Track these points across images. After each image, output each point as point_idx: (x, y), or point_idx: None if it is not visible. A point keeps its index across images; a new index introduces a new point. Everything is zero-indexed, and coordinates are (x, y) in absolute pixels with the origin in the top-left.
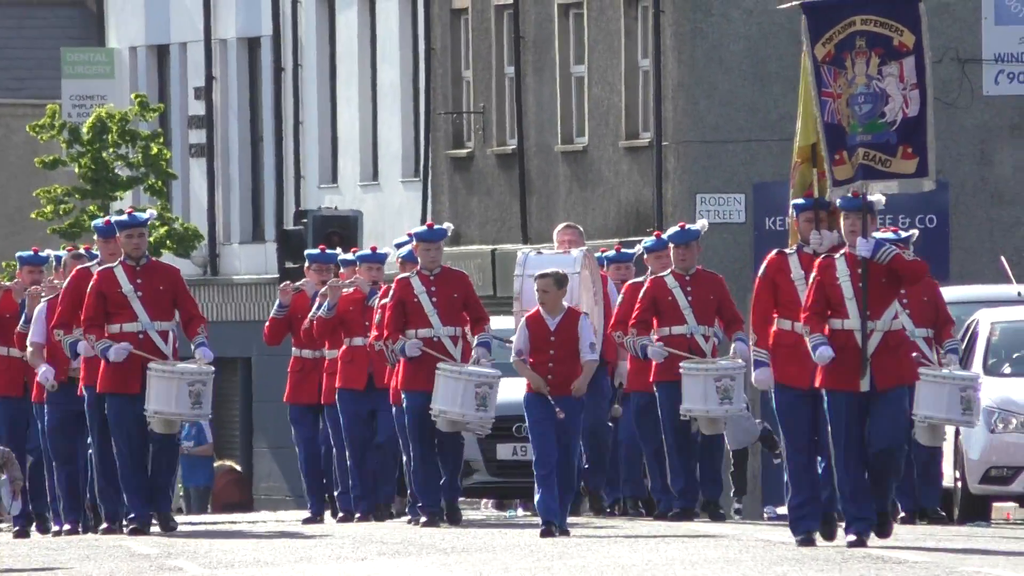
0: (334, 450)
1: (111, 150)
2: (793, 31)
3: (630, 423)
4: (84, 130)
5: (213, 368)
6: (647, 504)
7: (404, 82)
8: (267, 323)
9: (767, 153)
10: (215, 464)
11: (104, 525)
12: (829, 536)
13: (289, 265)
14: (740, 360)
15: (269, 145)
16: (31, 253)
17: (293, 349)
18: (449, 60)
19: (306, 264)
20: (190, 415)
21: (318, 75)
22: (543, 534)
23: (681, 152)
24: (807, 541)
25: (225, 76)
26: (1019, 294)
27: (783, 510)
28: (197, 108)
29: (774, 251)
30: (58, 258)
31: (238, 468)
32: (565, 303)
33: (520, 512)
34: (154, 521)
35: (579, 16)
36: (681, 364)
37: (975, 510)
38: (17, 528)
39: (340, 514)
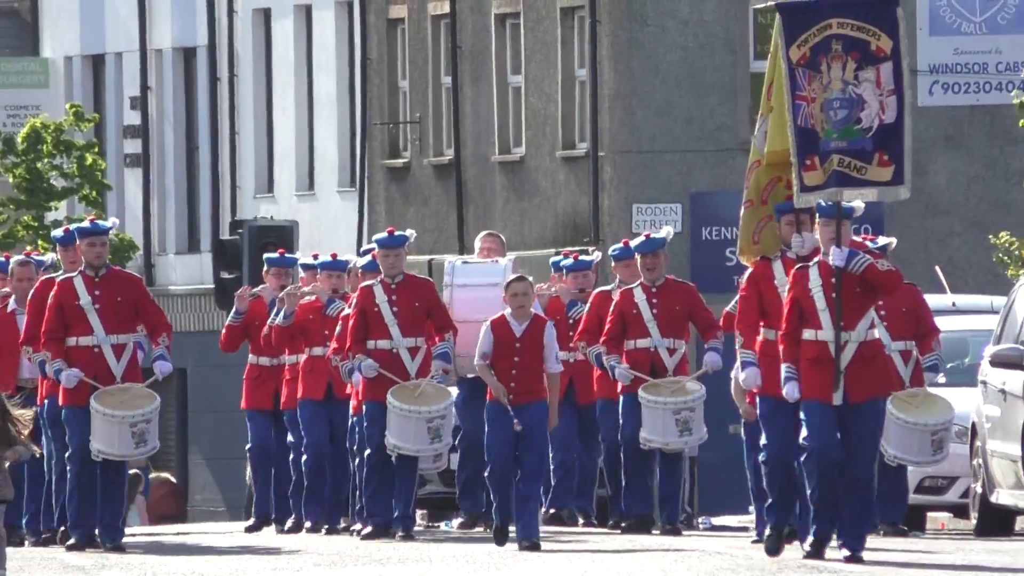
0: (303, 456)
1: (46, 160)
2: (729, 41)
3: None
4: (18, 140)
5: (157, 402)
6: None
7: (340, 92)
8: (224, 330)
9: (703, 163)
10: (150, 476)
11: (72, 540)
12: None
13: (225, 275)
14: (710, 372)
15: (205, 155)
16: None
17: (250, 356)
18: (385, 70)
19: (264, 269)
20: (134, 454)
21: (254, 85)
22: (496, 539)
23: (618, 162)
24: (775, 549)
25: (160, 86)
26: (953, 304)
27: (718, 520)
28: (132, 118)
29: (758, 257)
30: (3, 264)
31: (173, 480)
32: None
33: (455, 524)
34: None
35: (516, 26)
36: (640, 391)
37: (910, 520)
38: None
39: (296, 521)
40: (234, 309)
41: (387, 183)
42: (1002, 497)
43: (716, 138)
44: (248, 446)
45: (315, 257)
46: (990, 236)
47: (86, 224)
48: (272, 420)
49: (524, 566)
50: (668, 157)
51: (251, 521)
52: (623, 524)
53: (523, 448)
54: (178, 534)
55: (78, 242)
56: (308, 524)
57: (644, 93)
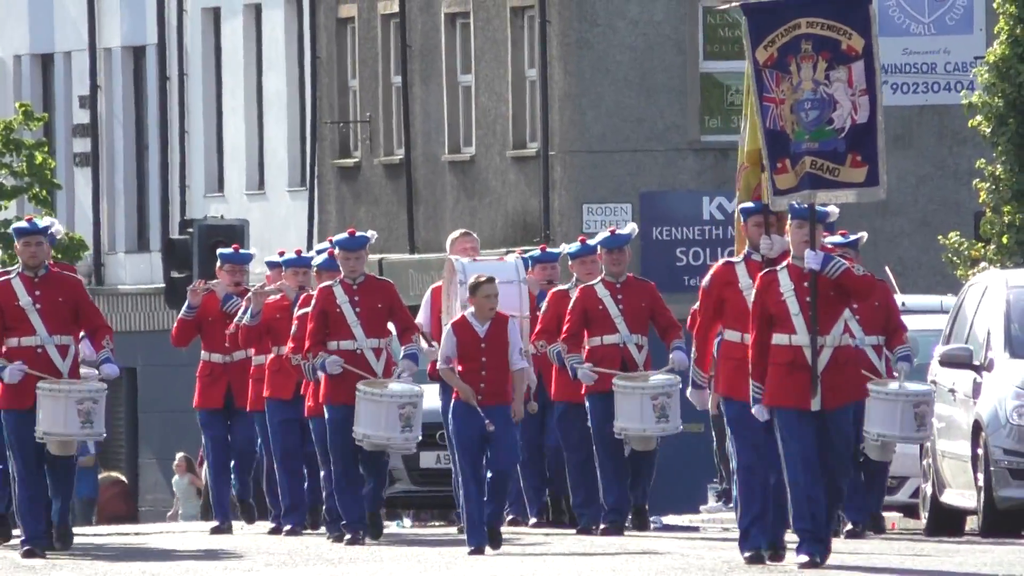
0: (265, 459)
1: None
2: (678, 41)
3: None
4: None
5: (104, 385)
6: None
7: (290, 91)
8: (175, 324)
9: (653, 163)
10: (100, 476)
11: (27, 547)
12: (777, 558)
13: (175, 275)
14: (677, 370)
15: (154, 154)
16: None
17: (202, 353)
18: (335, 69)
19: (218, 264)
20: (80, 435)
21: (203, 84)
22: (473, 552)
23: (568, 162)
24: (756, 559)
25: (110, 85)
26: (903, 304)
27: (668, 519)
28: (82, 117)
29: (720, 261)
30: None
31: (124, 479)
32: (523, 312)
33: (407, 523)
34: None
35: (466, 26)
36: (614, 380)
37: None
38: None
39: (275, 524)
40: (186, 303)
41: (337, 182)
42: (952, 497)
43: (666, 138)
44: (201, 449)
45: (281, 254)
46: (939, 236)
47: (23, 224)
48: (225, 418)
49: (476, 566)
50: (618, 157)
51: (216, 522)
52: (603, 525)
53: (493, 450)
54: (136, 535)
55: (15, 242)
56: (287, 527)
57: (594, 93)
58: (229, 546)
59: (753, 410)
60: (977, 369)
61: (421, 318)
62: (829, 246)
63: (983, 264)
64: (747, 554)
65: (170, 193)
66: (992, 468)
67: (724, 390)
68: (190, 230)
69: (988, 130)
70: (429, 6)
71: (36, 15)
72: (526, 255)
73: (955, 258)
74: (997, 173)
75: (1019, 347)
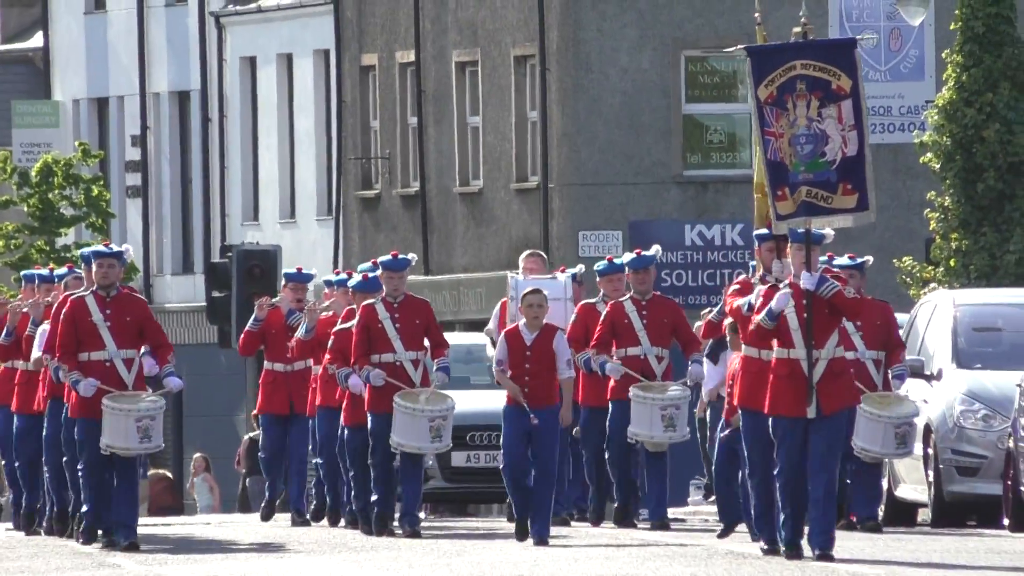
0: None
1: (56, 192)
2: (663, 86)
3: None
4: (32, 174)
5: (162, 402)
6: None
7: (318, 131)
8: (242, 335)
9: (641, 195)
10: (149, 472)
11: (82, 527)
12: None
13: (216, 294)
14: (692, 382)
15: (198, 187)
16: (31, 272)
17: (265, 363)
18: (359, 111)
19: (283, 283)
20: (139, 449)
21: (241, 125)
22: (519, 538)
23: (565, 193)
24: (772, 551)
25: (158, 126)
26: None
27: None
28: (133, 154)
29: (742, 275)
30: (60, 276)
31: (170, 476)
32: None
33: (422, 516)
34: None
35: (474, 73)
36: (631, 389)
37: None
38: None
39: (343, 521)
40: (253, 316)
41: (360, 212)
42: (905, 492)
43: (652, 172)
44: (261, 455)
45: (337, 274)
46: (894, 260)
47: (99, 247)
48: (285, 424)
49: (483, 553)
50: (610, 189)
51: (263, 513)
52: (614, 518)
53: (536, 450)
54: (182, 525)
55: (92, 264)
56: (343, 522)
57: (588, 132)
58: (261, 536)
59: (777, 296)
60: (928, 378)
61: (491, 325)
62: (834, 268)
63: (933, 285)
64: (765, 548)
65: (211, 221)
66: (941, 466)
67: (742, 401)
68: (229, 254)
69: (937, 166)
70: (441, 55)
71: (93, 64)
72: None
73: (908, 279)
74: (946, 204)
75: (965, 359)
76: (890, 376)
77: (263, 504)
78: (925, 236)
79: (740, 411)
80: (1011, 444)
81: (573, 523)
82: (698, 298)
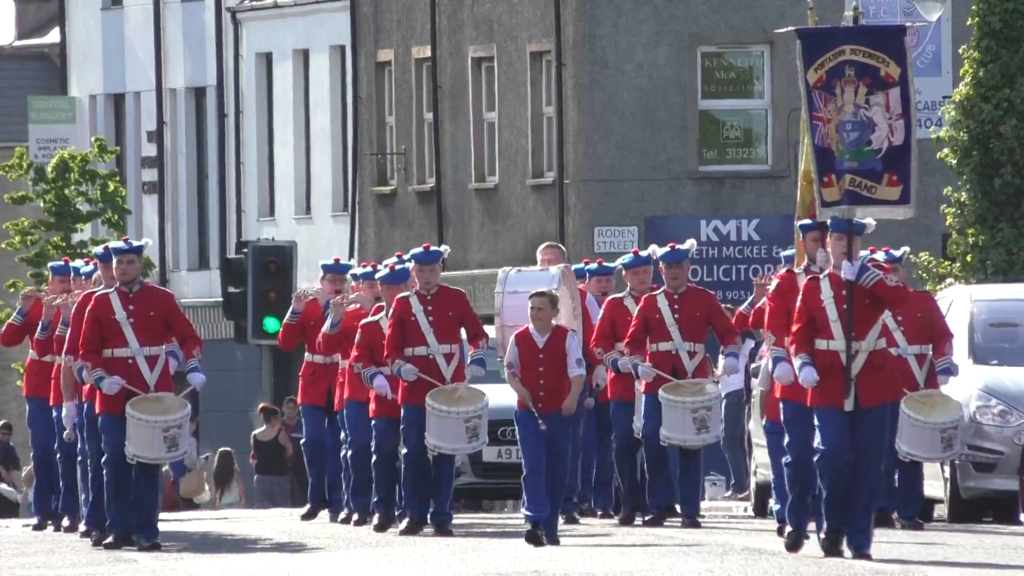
0: (349, 452)
1: (73, 187)
2: (679, 82)
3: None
4: (49, 170)
5: (188, 409)
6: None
7: (334, 127)
8: (281, 328)
9: (656, 190)
10: (163, 468)
11: (109, 539)
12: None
13: (232, 290)
14: (728, 375)
15: (213, 183)
16: (61, 263)
17: (306, 354)
18: (374, 107)
19: (321, 274)
20: (166, 458)
21: (257, 121)
22: (528, 539)
23: (581, 189)
24: (796, 544)
25: (175, 122)
26: None
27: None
28: (150, 150)
29: (784, 269)
30: (88, 274)
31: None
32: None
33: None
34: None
35: (490, 68)
36: (661, 391)
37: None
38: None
39: (347, 514)
40: (291, 309)
41: (376, 208)
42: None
43: (668, 168)
44: (302, 440)
45: (364, 266)
46: (911, 255)
47: (119, 243)
48: (324, 415)
49: (498, 548)
50: (625, 185)
51: (307, 508)
52: (646, 517)
53: (549, 452)
54: (197, 520)
55: (112, 260)
56: (356, 516)
57: (604, 128)
58: (278, 530)
59: (802, 375)
60: None
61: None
62: (876, 258)
63: (949, 280)
64: (789, 541)
65: (227, 217)
66: (957, 462)
67: (782, 393)
68: (245, 250)
69: (954, 161)
70: (457, 51)
71: (109, 60)
72: (584, 266)
73: (925, 275)
74: (962, 199)
75: (981, 354)
76: (936, 371)
77: (308, 505)
78: (942, 231)
79: (782, 404)
80: None
81: (595, 520)
82: (714, 293)
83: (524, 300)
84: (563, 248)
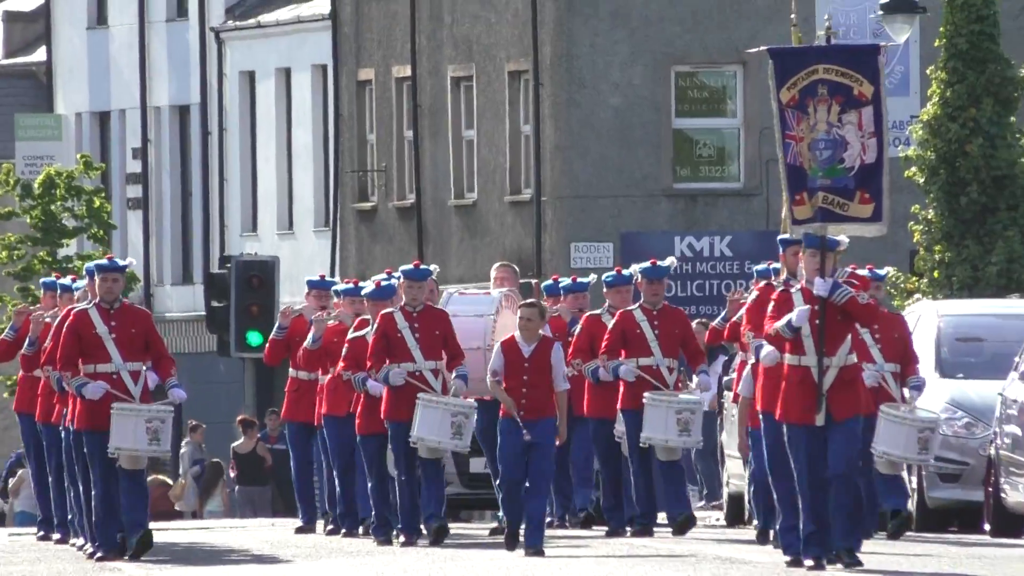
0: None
1: (59, 203)
2: (654, 101)
3: (585, 443)
4: (35, 186)
5: (172, 408)
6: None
7: (316, 144)
8: (267, 343)
9: (632, 207)
10: (148, 479)
11: (100, 554)
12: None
13: (215, 304)
14: (701, 392)
15: (197, 199)
16: (52, 279)
17: (290, 370)
18: (355, 125)
19: (306, 290)
20: (147, 451)
21: (240, 138)
22: (509, 547)
23: (558, 206)
24: (796, 562)
25: (159, 139)
26: None
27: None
28: (134, 167)
29: (763, 282)
30: (79, 289)
31: (169, 482)
32: (485, 343)
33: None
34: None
35: (469, 87)
36: (645, 394)
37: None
38: (42, 533)
39: (330, 527)
40: (277, 324)
41: (357, 224)
42: None
43: (643, 185)
44: (285, 449)
45: (347, 283)
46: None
47: (103, 261)
48: (310, 434)
49: (476, 558)
50: (601, 202)
51: (301, 522)
52: (630, 528)
53: (531, 461)
54: (178, 530)
55: (95, 277)
56: (344, 529)
57: (581, 146)
58: (261, 541)
59: (761, 354)
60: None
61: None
62: (861, 273)
63: (917, 296)
64: (788, 559)
65: (211, 233)
66: (924, 472)
67: (764, 406)
68: (228, 265)
69: (922, 180)
70: (437, 70)
71: (95, 78)
72: (556, 286)
73: (893, 290)
74: (929, 217)
75: (948, 368)
76: (908, 388)
77: (302, 525)
78: (909, 248)
79: (761, 416)
80: (992, 451)
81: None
82: (687, 308)
83: (460, 323)
84: (516, 268)
